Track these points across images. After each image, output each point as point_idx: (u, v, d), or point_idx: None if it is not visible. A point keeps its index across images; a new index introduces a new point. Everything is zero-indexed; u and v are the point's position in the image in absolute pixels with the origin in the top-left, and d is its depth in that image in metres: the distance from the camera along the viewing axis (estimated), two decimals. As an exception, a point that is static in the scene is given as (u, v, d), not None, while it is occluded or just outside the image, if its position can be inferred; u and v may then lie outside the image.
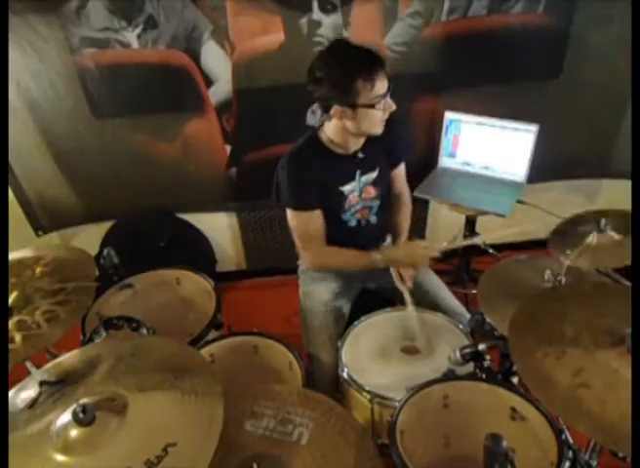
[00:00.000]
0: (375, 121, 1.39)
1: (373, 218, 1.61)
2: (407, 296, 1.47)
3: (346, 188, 1.52)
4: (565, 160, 2.30)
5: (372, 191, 1.57)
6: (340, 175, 1.51)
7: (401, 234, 1.67)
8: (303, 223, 1.51)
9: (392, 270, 1.53)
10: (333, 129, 1.45)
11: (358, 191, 1.55)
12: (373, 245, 1.64)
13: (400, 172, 1.69)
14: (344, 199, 1.53)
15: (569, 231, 1.48)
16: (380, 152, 1.53)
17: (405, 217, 1.71)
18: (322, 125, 1.49)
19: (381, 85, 1.33)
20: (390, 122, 1.51)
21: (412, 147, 1.68)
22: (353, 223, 1.59)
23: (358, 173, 1.52)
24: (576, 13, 1.97)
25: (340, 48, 1.35)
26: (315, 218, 1.50)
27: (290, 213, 1.51)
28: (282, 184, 1.48)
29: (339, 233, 1.57)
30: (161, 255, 2.37)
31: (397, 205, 1.71)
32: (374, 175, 1.55)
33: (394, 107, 1.39)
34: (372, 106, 1.34)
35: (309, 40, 1.96)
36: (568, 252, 1.35)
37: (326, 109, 1.39)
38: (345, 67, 1.30)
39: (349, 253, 1.53)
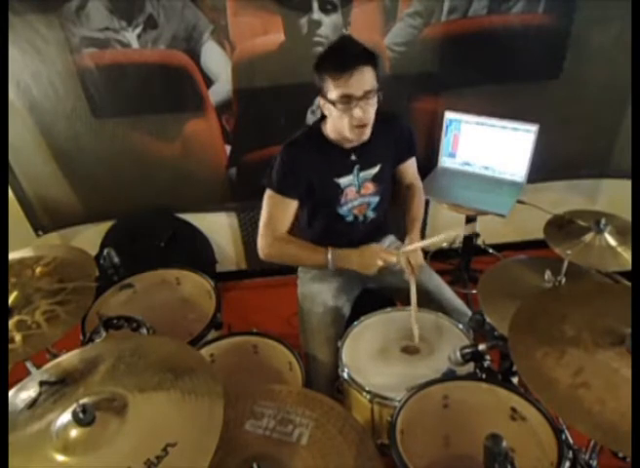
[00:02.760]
0: (342, 122, 1.36)
1: (370, 213, 1.61)
2: (413, 288, 1.43)
3: (342, 181, 1.52)
4: (565, 160, 2.30)
5: (371, 187, 1.56)
6: (335, 167, 1.51)
7: (415, 222, 1.61)
8: (275, 208, 1.49)
9: (402, 260, 1.44)
10: (328, 121, 1.47)
11: (357, 186, 1.54)
12: (369, 241, 1.64)
13: (410, 165, 1.68)
14: (340, 192, 1.53)
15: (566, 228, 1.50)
16: (382, 148, 1.53)
17: (418, 205, 1.66)
18: (326, 117, 1.48)
19: (349, 85, 1.28)
20: (394, 119, 1.51)
21: (416, 144, 1.66)
22: (350, 219, 1.59)
23: (356, 168, 1.52)
24: (576, 13, 1.97)
25: (339, 40, 1.37)
26: (288, 208, 1.49)
27: (268, 192, 1.49)
28: (274, 166, 1.49)
29: (335, 228, 1.57)
30: (161, 255, 2.37)
31: (409, 194, 1.68)
32: (374, 170, 1.55)
33: (366, 115, 1.34)
34: (333, 104, 1.33)
35: (309, 40, 1.96)
36: (568, 251, 1.36)
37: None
38: (324, 56, 1.33)
39: (304, 247, 1.48)
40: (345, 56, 1.29)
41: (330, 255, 1.44)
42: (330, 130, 1.48)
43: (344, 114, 1.34)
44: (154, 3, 1.87)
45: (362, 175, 1.54)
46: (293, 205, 1.50)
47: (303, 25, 1.94)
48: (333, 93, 1.32)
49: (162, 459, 0.78)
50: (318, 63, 1.34)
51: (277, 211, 1.49)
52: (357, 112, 1.33)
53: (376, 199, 1.59)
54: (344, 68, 1.28)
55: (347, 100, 1.31)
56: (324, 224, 1.59)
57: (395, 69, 2.03)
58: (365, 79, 1.31)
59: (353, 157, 1.51)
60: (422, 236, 2.55)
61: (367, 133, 1.41)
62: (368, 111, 1.35)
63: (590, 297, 1.06)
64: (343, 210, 1.56)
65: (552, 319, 0.99)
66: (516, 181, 2.12)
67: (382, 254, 1.42)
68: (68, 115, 2.07)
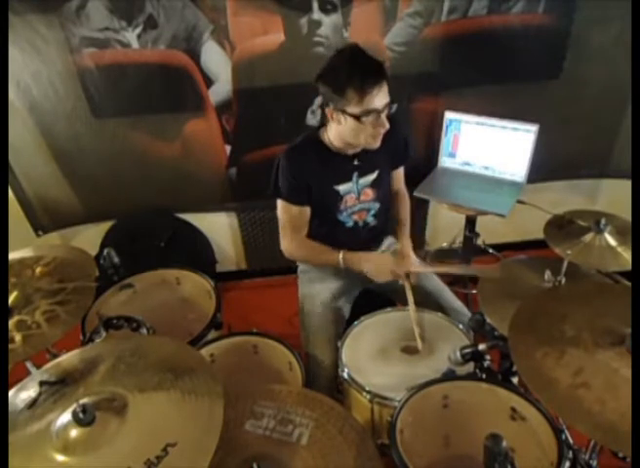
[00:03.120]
0: (359, 133, 1.38)
1: (370, 219, 1.62)
2: (409, 293, 1.46)
3: (342, 188, 1.53)
4: (565, 160, 2.30)
5: (370, 193, 1.57)
6: (335, 174, 1.52)
7: (404, 225, 1.68)
8: (290, 215, 1.54)
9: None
10: (332, 130, 1.46)
11: (356, 193, 1.55)
12: (369, 246, 1.65)
13: (399, 172, 1.71)
14: (340, 199, 1.54)
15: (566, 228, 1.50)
16: (380, 154, 1.54)
17: (405, 209, 1.73)
18: (326, 124, 1.49)
19: (373, 100, 1.31)
20: (393, 126, 1.51)
21: (410, 151, 1.68)
22: (350, 224, 1.60)
23: (355, 174, 1.53)
24: (576, 13, 1.97)
25: (349, 51, 1.34)
26: (302, 213, 1.54)
27: (280, 203, 1.54)
28: (278, 176, 1.51)
29: (335, 234, 1.58)
30: (161, 255, 2.37)
31: (397, 199, 1.74)
32: (372, 177, 1.56)
33: (387, 126, 1.38)
34: (357, 118, 1.33)
35: (309, 40, 1.96)
36: (568, 251, 1.36)
37: (325, 106, 1.40)
38: (343, 72, 1.31)
39: (319, 248, 1.54)
40: (371, 73, 1.30)
41: (341, 258, 1.50)
42: (333, 137, 1.47)
43: (367, 125, 1.36)
44: (154, 3, 1.87)
45: (361, 181, 1.54)
46: (306, 210, 1.54)
47: (303, 25, 1.94)
48: (356, 108, 1.32)
49: (162, 459, 0.78)
50: (334, 78, 1.32)
51: (293, 218, 1.54)
52: (381, 124, 1.36)
53: (376, 205, 1.60)
54: (373, 86, 1.29)
55: (371, 114, 1.33)
56: (324, 230, 1.59)
57: (395, 69, 2.03)
58: (386, 91, 1.34)
59: (356, 162, 1.52)
60: (422, 238, 2.59)
61: (380, 139, 1.43)
62: (386, 120, 1.38)
63: (590, 297, 1.06)
64: (343, 216, 1.57)
65: (552, 319, 0.99)
66: (516, 181, 2.12)
67: (395, 270, 1.46)
68: (68, 115, 2.07)
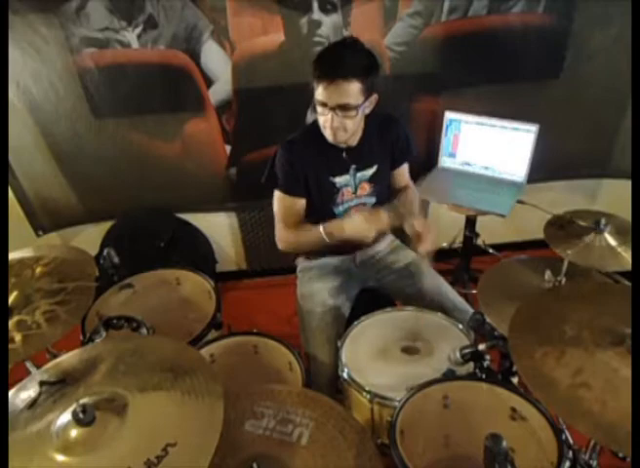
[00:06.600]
0: (322, 123, 1.40)
1: None
2: (426, 263, 1.43)
3: (338, 180, 1.53)
4: (565, 160, 2.30)
5: (367, 188, 1.57)
6: (330, 165, 1.52)
7: (406, 195, 1.66)
8: (286, 207, 1.54)
9: (411, 234, 1.45)
10: None
11: (353, 187, 1.55)
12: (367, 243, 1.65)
13: (404, 169, 1.69)
14: (336, 191, 1.54)
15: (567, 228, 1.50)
16: (378, 150, 1.53)
17: (413, 195, 1.68)
18: None
19: (324, 93, 1.32)
20: (391, 122, 1.51)
21: (413, 148, 1.66)
22: None
23: (353, 168, 1.53)
24: (576, 13, 1.97)
25: (339, 44, 1.36)
26: (298, 205, 1.54)
27: (277, 194, 1.54)
28: (276, 166, 1.51)
29: None
30: (161, 255, 2.37)
31: (404, 192, 1.70)
32: (370, 171, 1.55)
33: (331, 123, 1.37)
34: (314, 106, 1.37)
35: (309, 40, 1.96)
36: (568, 251, 1.36)
37: None
38: (319, 56, 1.34)
39: (304, 229, 1.53)
40: (332, 63, 1.30)
41: (322, 232, 1.46)
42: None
43: (321, 115, 1.38)
44: (154, 3, 1.87)
45: (359, 175, 1.54)
46: (302, 202, 1.54)
47: (303, 25, 1.94)
48: (317, 94, 1.35)
49: (162, 459, 0.78)
50: (314, 61, 1.35)
51: (288, 209, 1.54)
52: (328, 119, 1.36)
53: (372, 200, 1.59)
54: (326, 76, 1.30)
55: (320, 106, 1.35)
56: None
57: (395, 69, 2.03)
58: (342, 92, 1.31)
59: (345, 155, 1.51)
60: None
61: (343, 137, 1.42)
62: (341, 122, 1.37)
63: (590, 297, 1.06)
64: (339, 210, 1.57)
65: (552, 319, 0.99)
66: (516, 181, 2.12)
67: (370, 216, 1.41)
68: (68, 115, 2.07)
